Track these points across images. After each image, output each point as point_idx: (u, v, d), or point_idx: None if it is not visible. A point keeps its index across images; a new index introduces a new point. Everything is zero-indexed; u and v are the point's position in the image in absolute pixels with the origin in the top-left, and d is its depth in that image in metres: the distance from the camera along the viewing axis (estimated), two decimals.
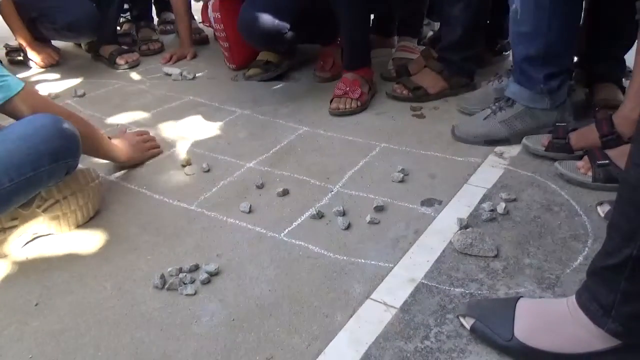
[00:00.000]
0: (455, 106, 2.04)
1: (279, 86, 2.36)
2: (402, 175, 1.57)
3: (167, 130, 2.00)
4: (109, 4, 2.71)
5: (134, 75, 2.62)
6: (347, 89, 2.05)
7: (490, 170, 1.60)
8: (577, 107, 1.78)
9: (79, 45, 3.04)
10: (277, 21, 2.05)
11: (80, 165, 1.43)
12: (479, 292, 1.13)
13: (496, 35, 2.42)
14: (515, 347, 0.95)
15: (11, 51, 2.90)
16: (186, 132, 1.97)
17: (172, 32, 3.28)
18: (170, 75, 2.56)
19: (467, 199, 1.46)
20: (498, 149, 1.70)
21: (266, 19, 2.11)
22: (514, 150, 1.69)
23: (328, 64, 2.38)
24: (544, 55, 1.60)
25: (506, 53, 2.46)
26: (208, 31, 3.04)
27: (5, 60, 2.89)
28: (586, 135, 1.57)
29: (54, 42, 2.86)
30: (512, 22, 1.62)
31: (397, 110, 2.04)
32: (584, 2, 1.64)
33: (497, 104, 1.76)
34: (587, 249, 1.24)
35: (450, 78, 2.10)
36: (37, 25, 2.64)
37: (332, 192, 1.54)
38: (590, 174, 1.46)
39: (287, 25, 2.14)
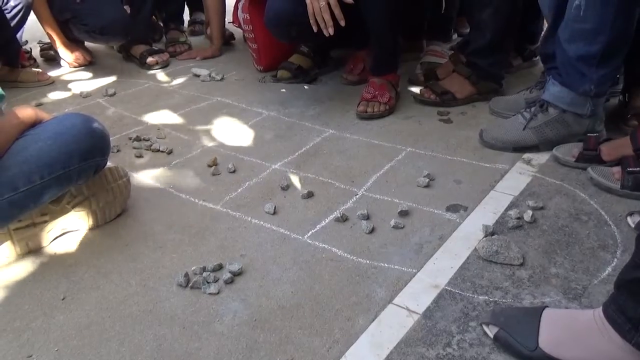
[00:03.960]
0: (483, 112, 2.02)
1: (306, 88, 2.37)
2: (427, 180, 1.56)
3: (195, 130, 2.02)
4: (142, 4, 2.75)
5: (164, 76, 2.66)
6: (376, 92, 2.04)
7: (517, 177, 1.57)
8: (609, 114, 1.75)
9: (112, 46, 3.09)
10: (301, 9, 2.00)
11: (109, 163, 1.45)
12: (504, 300, 1.11)
13: (525, 41, 2.38)
14: (539, 358, 0.94)
15: (45, 48, 2.97)
16: (213, 132, 1.99)
17: (201, 34, 3.31)
18: (199, 76, 2.59)
19: (493, 206, 1.44)
20: (526, 155, 1.68)
21: (291, 8, 2.04)
22: (542, 157, 1.67)
23: (358, 68, 2.38)
24: (603, 54, 1.54)
25: (535, 59, 2.42)
26: (236, 32, 3.07)
27: (39, 57, 2.96)
28: (619, 147, 1.53)
29: (87, 44, 2.92)
30: (573, 18, 1.56)
31: (424, 115, 2.03)
32: None
33: (528, 109, 1.73)
34: (615, 259, 1.21)
35: (478, 83, 2.08)
36: (70, 27, 2.70)
37: (357, 196, 1.53)
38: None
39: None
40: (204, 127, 2.04)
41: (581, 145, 1.59)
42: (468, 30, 2.44)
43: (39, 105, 2.34)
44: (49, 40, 2.81)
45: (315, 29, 1.86)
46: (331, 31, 1.83)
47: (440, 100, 2.08)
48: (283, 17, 2.09)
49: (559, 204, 1.43)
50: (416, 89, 2.20)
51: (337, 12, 1.81)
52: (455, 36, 2.80)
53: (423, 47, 2.60)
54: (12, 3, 2.43)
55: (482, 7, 1.97)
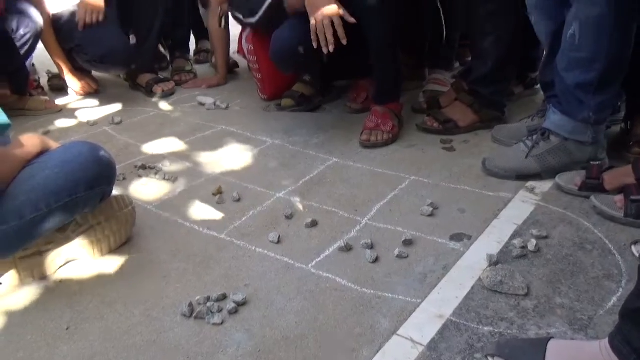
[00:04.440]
0: (485, 140, 2.03)
1: (309, 117, 2.39)
2: (431, 209, 1.56)
3: (200, 158, 2.04)
4: (147, 33, 2.79)
5: (169, 104, 2.69)
6: (379, 121, 2.06)
7: (521, 205, 1.58)
8: (611, 142, 1.76)
9: (118, 75, 3.13)
10: (305, 43, 2.00)
11: (114, 192, 1.46)
12: (509, 331, 1.11)
13: (526, 69, 2.41)
14: None
15: (53, 77, 3.01)
16: (218, 161, 2.01)
17: (206, 62, 3.36)
18: (204, 104, 2.61)
19: (497, 235, 1.44)
20: (529, 184, 1.69)
21: (294, 40, 2.09)
22: (545, 185, 1.67)
23: (361, 97, 2.41)
24: (600, 81, 1.57)
25: (537, 87, 2.44)
26: (241, 61, 3.10)
27: (47, 86, 3.00)
28: (621, 176, 1.53)
29: (94, 72, 2.96)
30: (569, 47, 1.58)
31: (428, 143, 2.04)
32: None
33: (530, 138, 1.74)
34: (621, 289, 1.21)
35: (481, 111, 2.10)
36: (74, 56, 2.73)
37: (361, 225, 1.54)
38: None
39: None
40: (209, 156, 2.05)
41: (584, 174, 1.59)
42: (470, 58, 2.47)
43: (46, 133, 2.36)
44: (57, 70, 2.86)
45: (315, 45, 1.88)
46: (331, 48, 1.85)
47: (443, 129, 2.09)
48: (287, 51, 2.12)
49: (563, 232, 1.43)
50: (419, 118, 2.22)
51: (340, 31, 1.84)
52: (457, 64, 2.83)
53: (425, 76, 2.63)
54: (21, 32, 2.47)
55: (484, 35, 2.00)
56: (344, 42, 1.85)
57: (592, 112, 1.61)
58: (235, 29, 2.75)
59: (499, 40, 1.98)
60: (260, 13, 2.28)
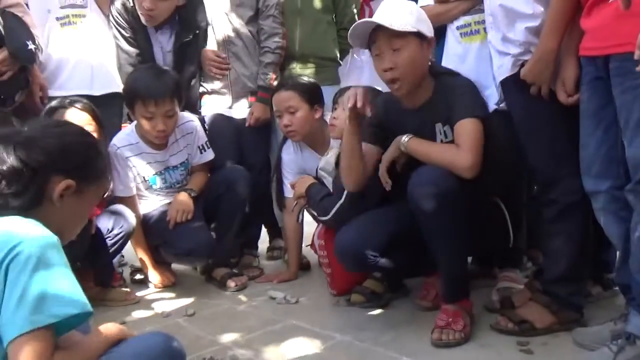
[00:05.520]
0: (566, 342, 1.92)
1: (379, 313, 2.37)
2: None
3: (268, 353, 2.03)
4: (227, 230, 2.99)
5: (241, 297, 2.75)
6: (450, 319, 2.02)
7: None
8: None
9: (195, 268, 3.28)
10: (368, 245, 2.13)
11: None
12: None
13: (601, 270, 2.34)
14: None
15: (134, 271, 3.19)
16: (286, 356, 1.99)
17: (279, 258, 3.47)
18: (274, 298, 2.66)
19: None
20: None
21: (358, 242, 2.17)
22: None
23: (431, 294, 2.39)
24: None
25: (616, 288, 2.35)
26: (312, 258, 3.20)
27: (128, 278, 3.17)
28: None
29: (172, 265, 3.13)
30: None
31: (503, 344, 1.95)
32: None
33: (615, 342, 1.65)
34: None
35: (558, 312, 2.01)
36: (160, 250, 2.93)
37: None
38: None
39: (375, 253, 2.18)
40: (277, 351, 2.04)
41: None
42: (540, 256, 2.46)
43: (122, 323, 2.43)
44: (139, 263, 3.04)
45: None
46: (387, 187, 2.08)
47: (519, 330, 2.01)
48: (350, 251, 2.22)
49: None
50: (492, 316, 2.16)
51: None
52: (529, 264, 2.79)
53: (495, 274, 2.59)
54: (115, 231, 2.70)
55: (553, 236, 2.01)
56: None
57: None
58: (308, 227, 2.90)
59: (569, 240, 1.98)
60: (332, 212, 2.45)
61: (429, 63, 2.19)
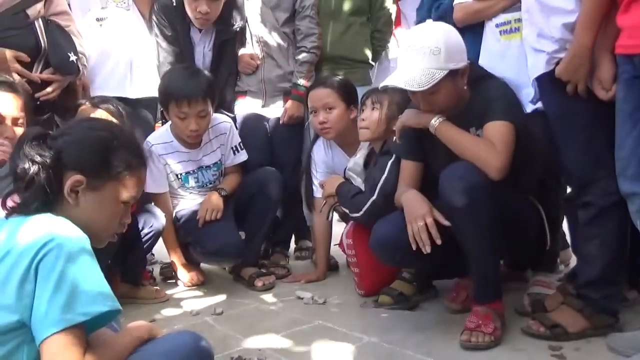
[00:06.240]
0: (600, 347, 1.88)
1: (407, 315, 2.35)
2: None
3: (296, 355, 2.03)
4: (257, 230, 3.00)
5: (269, 297, 2.76)
6: (480, 322, 1.98)
7: None
8: None
9: (224, 267, 3.30)
10: (405, 235, 2.07)
11: None
12: None
13: (638, 274, 2.28)
14: None
15: (164, 268, 3.23)
16: (313, 357, 1.99)
17: (307, 258, 3.47)
18: (302, 298, 2.66)
19: None
20: None
21: (395, 234, 2.14)
22: None
23: (461, 296, 2.36)
24: None
25: None
26: (340, 258, 3.19)
27: (158, 276, 3.21)
28: None
29: (202, 265, 3.15)
30: None
31: (535, 349, 1.92)
32: None
33: None
34: None
35: (591, 317, 1.96)
36: (189, 249, 2.96)
37: None
38: None
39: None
40: (304, 351, 2.04)
41: None
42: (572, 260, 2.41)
43: (152, 321, 2.46)
44: (168, 261, 3.08)
45: (414, 247, 1.99)
46: (428, 249, 1.96)
47: (551, 334, 1.97)
48: (387, 242, 2.20)
49: None
50: (523, 320, 2.12)
51: (434, 232, 1.95)
52: (562, 267, 2.74)
53: (528, 278, 2.55)
54: (145, 230, 2.73)
55: (588, 239, 1.96)
56: (438, 242, 1.95)
57: None
58: (336, 227, 2.89)
59: (604, 244, 1.92)
60: (365, 208, 2.46)
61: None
